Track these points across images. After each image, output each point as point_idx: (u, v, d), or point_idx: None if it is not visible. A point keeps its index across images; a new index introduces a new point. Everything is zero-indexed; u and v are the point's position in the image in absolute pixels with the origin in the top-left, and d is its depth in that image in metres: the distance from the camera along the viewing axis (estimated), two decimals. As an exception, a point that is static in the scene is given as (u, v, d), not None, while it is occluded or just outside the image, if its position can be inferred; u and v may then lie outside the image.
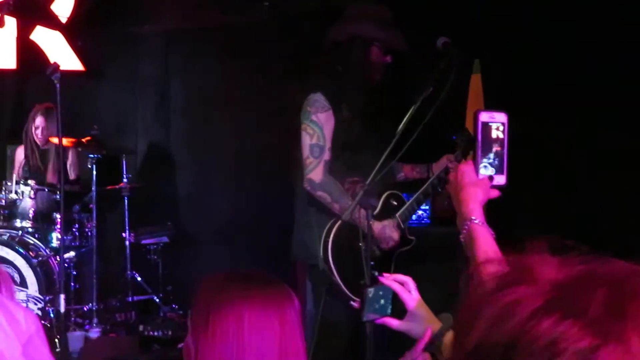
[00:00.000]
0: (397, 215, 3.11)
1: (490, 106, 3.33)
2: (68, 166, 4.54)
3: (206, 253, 4.72)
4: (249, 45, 4.63)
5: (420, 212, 3.65)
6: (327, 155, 3.06)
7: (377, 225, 2.99)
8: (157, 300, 4.44)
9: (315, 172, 3.02)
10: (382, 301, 1.81)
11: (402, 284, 1.78)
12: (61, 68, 4.30)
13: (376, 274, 2.20)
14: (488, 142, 1.52)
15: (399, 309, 1.77)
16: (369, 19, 3.21)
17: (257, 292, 1.45)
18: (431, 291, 1.92)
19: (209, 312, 1.40)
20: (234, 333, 1.38)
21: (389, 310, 1.81)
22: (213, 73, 4.87)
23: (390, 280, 1.79)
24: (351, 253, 2.90)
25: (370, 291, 1.81)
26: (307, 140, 3.03)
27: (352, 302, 2.95)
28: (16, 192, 4.17)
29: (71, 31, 4.97)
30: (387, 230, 3.00)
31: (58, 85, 3.86)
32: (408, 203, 3.15)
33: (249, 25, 4.51)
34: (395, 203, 3.18)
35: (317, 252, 3.03)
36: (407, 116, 2.79)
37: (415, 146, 2.76)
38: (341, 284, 2.96)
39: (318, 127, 3.04)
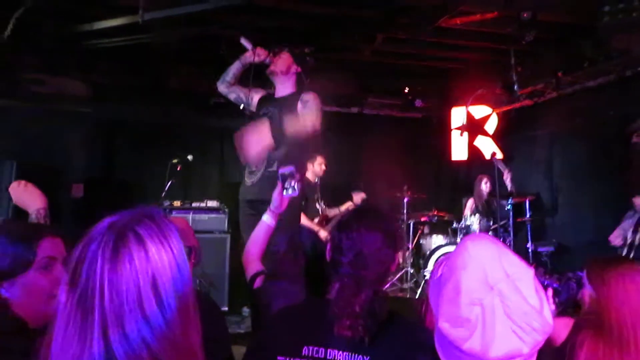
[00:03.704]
0: None
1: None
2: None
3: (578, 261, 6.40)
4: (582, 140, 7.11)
5: None
6: None
7: None
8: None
9: None
10: None
11: None
12: (497, 157, 7.62)
13: None
14: None
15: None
16: None
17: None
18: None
19: (603, 277, 2.03)
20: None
21: None
22: (575, 155, 7.36)
23: None
24: None
25: None
26: None
27: None
28: (467, 220, 7.55)
29: (496, 137, 8.02)
30: None
31: (500, 162, 7.20)
32: None
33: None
34: None
35: None
36: None
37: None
38: None
39: None
